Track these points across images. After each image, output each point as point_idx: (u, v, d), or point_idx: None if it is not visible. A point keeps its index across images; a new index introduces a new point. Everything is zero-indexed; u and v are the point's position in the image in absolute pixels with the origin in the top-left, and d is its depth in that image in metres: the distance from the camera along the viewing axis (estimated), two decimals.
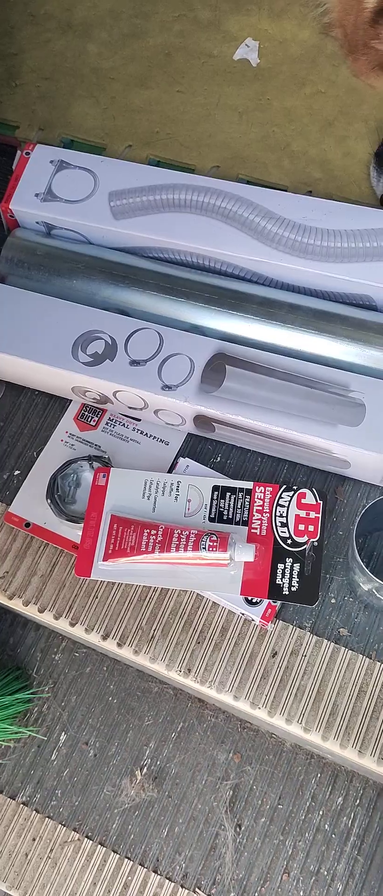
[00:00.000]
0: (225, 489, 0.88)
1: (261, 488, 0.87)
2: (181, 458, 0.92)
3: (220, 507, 0.87)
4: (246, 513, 0.87)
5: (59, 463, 0.91)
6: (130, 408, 0.93)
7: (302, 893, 0.86)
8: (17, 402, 0.99)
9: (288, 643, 0.83)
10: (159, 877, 0.88)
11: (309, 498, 0.86)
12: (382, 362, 0.90)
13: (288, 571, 0.84)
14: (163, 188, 0.98)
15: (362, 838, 0.87)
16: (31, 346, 0.94)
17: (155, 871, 0.89)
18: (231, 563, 0.83)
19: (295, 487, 0.87)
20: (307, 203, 0.97)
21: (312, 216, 0.95)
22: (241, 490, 0.88)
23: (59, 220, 1.00)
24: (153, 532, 0.85)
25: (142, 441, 0.94)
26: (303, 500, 0.86)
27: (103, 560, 0.85)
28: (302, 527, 0.85)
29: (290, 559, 0.84)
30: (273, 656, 0.83)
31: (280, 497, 0.87)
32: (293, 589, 0.83)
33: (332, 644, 0.83)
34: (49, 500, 0.89)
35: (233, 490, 0.88)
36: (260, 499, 0.87)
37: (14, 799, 0.93)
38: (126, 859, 0.89)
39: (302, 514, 0.86)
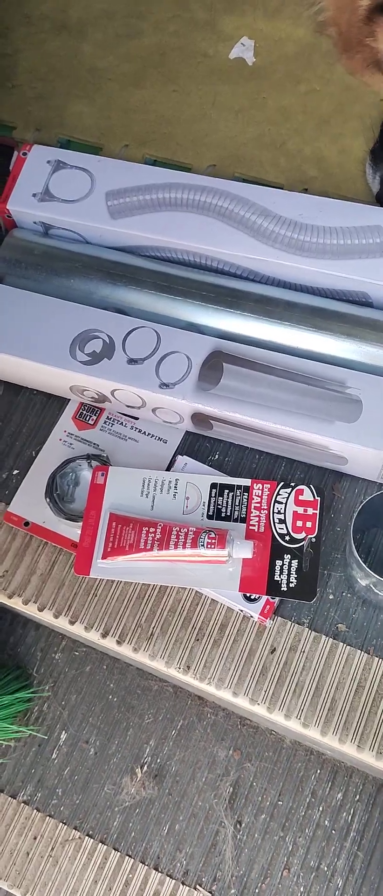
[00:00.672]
0: (223, 486, 0.88)
1: (259, 485, 0.88)
2: (179, 456, 0.92)
3: (218, 504, 0.87)
4: (244, 510, 0.87)
5: (58, 462, 0.92)
6: (128, 406, 0.93)
7: (302, 889, 0.86)
8: (16, 402, 0.99)
9: (287, 639, 0.84)
10: (160, 874, 0.88)
11: (307, 494, 0.87)
12: (378, 358, 0.90)
13: (286, 568, 0.84)
14: (159, 187, 0.99)
15: (362, 834, 0.87)
16: (29, 345, 0.94)
17: (156, 869, 0.89)
18: (229, 560, 0.84)
19: (292, 484, 0.87)
20: (303, 201, 0.97)
21: (308, 214, 0.95)
22: (239, 487, 0.88)
23: (56, 219, 1.00)
24: (152, 530, 0.85)
25: (141, 439, 0.94)
26: (301, 497, 0.87)
27: (102, 558, 0.86)
28: (300, 523, 0.86)
29: (288, 556, 0.84)
30: (271, 652, 0.83)
31: (278, 494, 0.87)
32: (291, 585, 0.83)
33: (331, 640, 0.83)
34: (48, 499, 0.89)
35: (231, 487, 0.88)
36: (258, 496, 0.87)
37: (15, 798, 0.93)
38: (127, 857, 0.90)
39: (300, 510, 0.86)
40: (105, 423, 0.95)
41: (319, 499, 0.86)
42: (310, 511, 0.86)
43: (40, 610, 0.88)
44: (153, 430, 0.94)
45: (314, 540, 0.85)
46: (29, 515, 0.91)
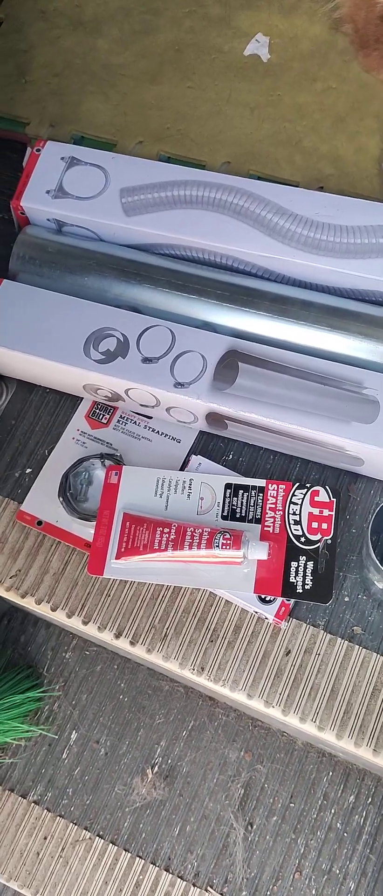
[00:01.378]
0: (237, 487, 0.88)
1: (274, 486, 0.87)
2: (193, 456, 0.91)
3: (233, 504, 0.87)
4: (259, 511, 0.86)
5: (71, 461, 0.91)
6: (142, 405, 0.93)
7: (314, 892, 0.86)
8: (29, 400, 0.98)
9: (302, 641, 0.83)
10: (171, 875, 0.88)
11: (323, 495, 0.86)
12: None
13: (301, 569, 0.83)
14: (174, 185, 0.98)
15: (374, 837, 0.87)
16: (42, 343, 0.93)
17: (166, 870, 0.89)
18: (244, 562, 0.83)
19: (308, 485, 0.87)
20: (319, 199, 0.96)
21: (324, 212, 0.94)
22: (254, 488, 0.87)
23: (70, 216, 0.99)
24: (166, 530, 0.84)
25: (154, 439, 0.93)
26: (317, 498, 0.86)
27: (116, 558, 0.85)
28: (315, 524, 0.85)
29: (304, 557, 0.84)
30: (286, 655, 0.83)
31: (293, 495, 0.86)
32: (306, 587, 0.83)
33: (346, 642, 0.83)
34: (61, 499, 0.89)
35: (245, 488, 0.87)
36: (273, 496, 0.87)
37: (25, 798, 0.93)
38: (137, 858, 0.89)
39: (316, 511, 0.85)
40: (118, 422, 0.95)
41: (335, 500, 0.86)
42: (326, 512, 0.85)
43: (53, 610, 0.87)
44: (167, 429, 0.93)
45: (330, 541, 0.84)
46: (42, 514, 0.91)
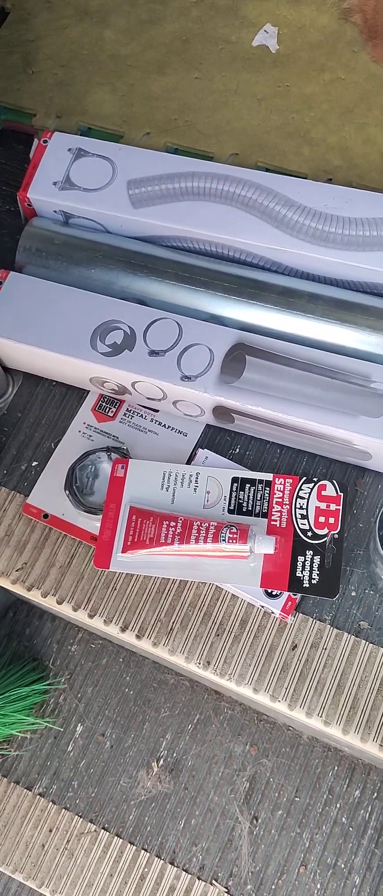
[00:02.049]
0: (244, 481, 0.87)
1: (281, 480, 0.87)
2: (200, 450, 0.91)
3: (240, 498, 0.86)
4: (265, 505, 0.86)
5: (77, 454, 0.91)
6: (149, 398, 0.93)
7: (319, 886, 0.86)
8: (35, 393, 0.98)
9: (309, 636, 0.83)
10: (176, 869, 0.88)
11: (330, 490, 0.86)
12: None
13: (308, 564, 0.83)
14: (181, 176, 0.97)
15: (380, 831, 0.87)
16: (48, 335, 0.93)
17: (171, 863, 0.89)
18: (251, 556, 0.83)
19: (315, 479, 0.86)
20: (327, 191, 0.96)
21: (333, 204, 0.93)
22: (261, 482, 0.87)
23: (76, 208, 0.99)
24: (172, 524, 0.84)
25: (160, 432, 0.93)
26: (324, 492, 0.86)
27: (122, 552, 0.85)
28: (322, 519, 0.85)
29: (311, 551, 0.83)
30: (293, 649, 0.83)
31: (300, 489, 0.86)
32: (313, 581, 0.82)
33: (353, 637, 0.82)
34: (67, 492, 0.89)
35: (252, 482, 0.87)
36: (279, 491, 0.86)
37: (31, 790, 0.93)
38: (143, 851, 0.89)
39: (323, 506, 0.85)
40: (125, 415, 0.94)
41: (342, 494, 0.85)
42: (333, 507, 0.85)
43: (59, 603, 0.87)
44: (173, 422, 0.93)
45: (337, 536, 0.84)
46: (48, 507, 0.91)
